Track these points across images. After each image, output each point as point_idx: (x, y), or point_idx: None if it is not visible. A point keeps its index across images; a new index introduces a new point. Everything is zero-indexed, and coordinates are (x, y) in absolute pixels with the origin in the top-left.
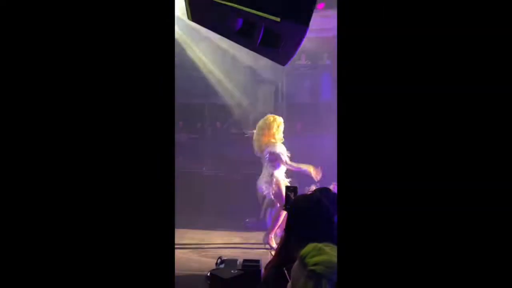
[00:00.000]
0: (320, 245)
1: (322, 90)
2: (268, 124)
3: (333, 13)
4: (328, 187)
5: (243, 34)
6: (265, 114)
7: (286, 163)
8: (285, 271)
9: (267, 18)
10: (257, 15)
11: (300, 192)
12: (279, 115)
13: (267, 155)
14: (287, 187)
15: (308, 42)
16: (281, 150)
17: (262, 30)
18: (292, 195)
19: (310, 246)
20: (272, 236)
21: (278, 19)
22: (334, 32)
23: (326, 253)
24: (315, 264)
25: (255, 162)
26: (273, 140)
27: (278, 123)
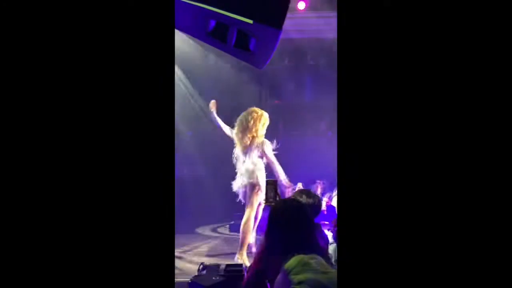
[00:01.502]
0: (306, 258)
1: (306, 91)
2: (254, 119)
3: (315, 14)
4: (311, 187)
5: (216, 36)
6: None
7: (272, 162)
8: (268, 284)
9: (240, 20)
10: (230, 17)
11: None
12: None
13: (254, 152)
14: (267, 181)
15: (291, 43)
16: (269, 148)
17: (235, 32)
18: (272, 189)
19: (296, 260)
20: (243, 253)
21: (251, 21)
22: (317, 33)
23: (312, 269)
24: (300, 283)
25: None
26: (257, 136)
27: (264, 120)
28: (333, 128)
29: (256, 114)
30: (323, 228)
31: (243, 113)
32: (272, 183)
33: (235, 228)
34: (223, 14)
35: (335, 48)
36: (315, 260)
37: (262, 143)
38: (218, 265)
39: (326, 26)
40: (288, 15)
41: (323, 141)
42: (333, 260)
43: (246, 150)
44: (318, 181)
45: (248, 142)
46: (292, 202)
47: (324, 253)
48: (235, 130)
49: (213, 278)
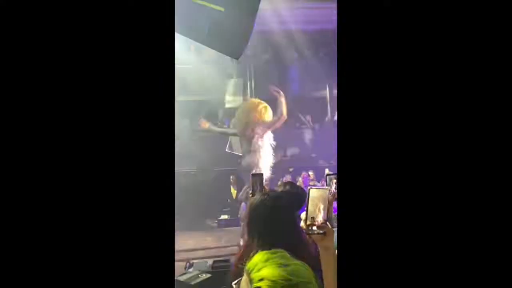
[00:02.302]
0: (268, 254)
1: (290, 84)
2: (257, 108)
3: (299, 5)
4: (297, 179)
5: (188, 26)
6: (234, 110)
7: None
8: (233, 286)
9: (212, 8)
10: (201, 5)
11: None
12: None
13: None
14: (252, 174)
15: (275, 35)
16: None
17: (206, 22)
18: (257, 182)
19: (257, 257)
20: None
21: (222, 9)
22: (301, 25)
23: (272, 263)
24: (260, 280)
25: (226, 159)
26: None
27: (265, 110)
28: (319, 120)
29: (255, 105)
30: None
31: (242, 105)
32: (258, 175)
33: (223, 223)
34: (194, 3)
35: (319, 40)
36: (278, 254)
37: (263, 132)
38: (205, 261)
39: (310, 17)
40: (271, 6)
41: (310, 133)
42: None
43: (249, 140)
44: (304, 172)
45: (251, 133)
46: (272, 194)
47: (306, 244)
48: (237, 123)
49: (200, 275)
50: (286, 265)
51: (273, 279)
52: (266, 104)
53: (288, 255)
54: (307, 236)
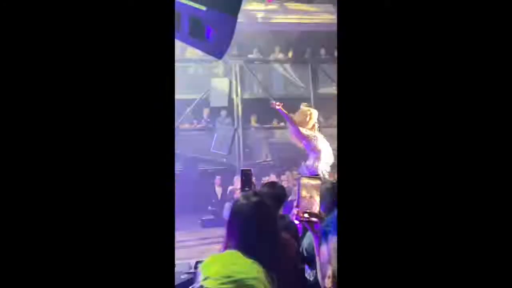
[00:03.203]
0: (218, 255)
1: (275, 84)
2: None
3: (284, 6)
4: (277, 180)
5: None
6: (220, 109)
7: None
8: None
9: (192, 7)
10: (181, 3)
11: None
12: (234, 109)
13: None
14: (242, 171)
15: (260, 35)
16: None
17: (186, 20)
18: (246, 178)
19: (208, 259)
20: None
21: (204, 8)
22: (286, 26)
23: (219, 263)
24: (205, 279)
25: (210, 159)
26: (310, 132)
27: (309, 115)
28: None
29: (309, 112)
30: (291, 219)
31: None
32: (247, 172)
33: (209, 223)
34: (176, 0)
35: (303, 40)
36: (227, 254)
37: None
38: (187, 262)
39: (295, 18)
40: (257, 7)
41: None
42: (303, 248)
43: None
44: (288, 172)
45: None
46: (254, 198)
47: (285, 245)
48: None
49: (181, 276)
50: (232, 264)
51: (215, 276)
52: (310, 113)
53: (240, 255)
54: (287, 235)
